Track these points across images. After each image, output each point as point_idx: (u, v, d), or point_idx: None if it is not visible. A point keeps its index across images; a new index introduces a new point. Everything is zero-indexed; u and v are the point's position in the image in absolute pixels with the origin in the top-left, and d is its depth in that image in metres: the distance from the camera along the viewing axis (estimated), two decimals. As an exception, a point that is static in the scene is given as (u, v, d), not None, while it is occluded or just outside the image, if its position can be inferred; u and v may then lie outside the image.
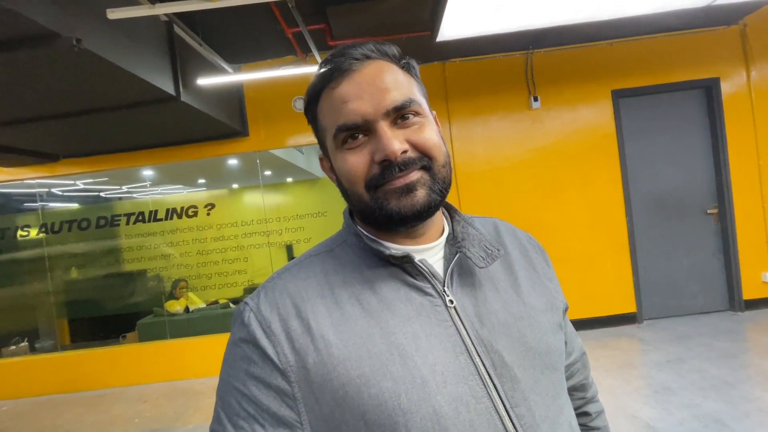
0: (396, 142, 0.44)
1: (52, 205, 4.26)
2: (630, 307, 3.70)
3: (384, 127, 0.45)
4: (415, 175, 0.46)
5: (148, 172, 4.08)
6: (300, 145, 3.99)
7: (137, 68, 2.15)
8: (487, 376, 0.44)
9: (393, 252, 0.47)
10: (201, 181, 4.56)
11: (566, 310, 0.58)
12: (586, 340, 3.51)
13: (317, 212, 3.91)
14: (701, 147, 3.73)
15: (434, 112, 0.53)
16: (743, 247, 3.64)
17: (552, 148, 3.69)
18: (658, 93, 3.72)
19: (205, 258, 3.89)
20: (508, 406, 0.44)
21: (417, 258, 0.47)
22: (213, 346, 3.75)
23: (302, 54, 3.40)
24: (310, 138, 3.69)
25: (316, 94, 0.50)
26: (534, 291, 0.53)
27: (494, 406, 0.43)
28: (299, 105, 3.75)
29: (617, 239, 3.69)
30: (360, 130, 0.46)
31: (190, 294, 4.06)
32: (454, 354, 0.45)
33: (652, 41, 3.65)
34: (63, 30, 1.68)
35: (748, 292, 3.65)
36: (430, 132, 0.47)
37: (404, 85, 0.47)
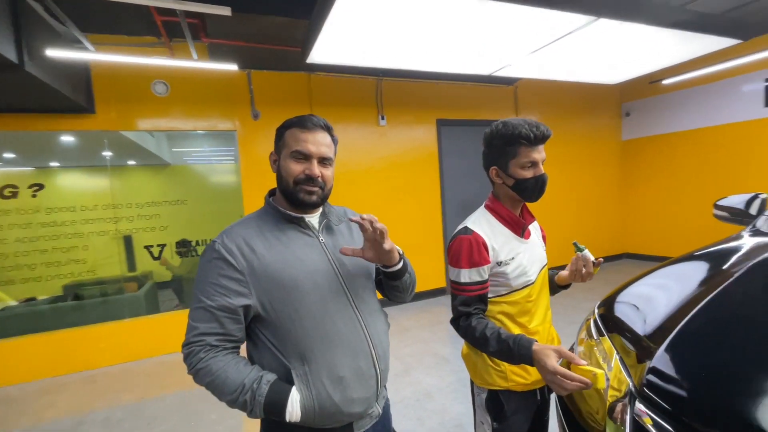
0: (318, 170, 0.98)
1: None
2: (442, 283, 4.96)
3: (315, 162, 0.98)
4: (316, 188, 0.98)
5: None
6: (156, 129, 3.83)
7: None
8: (339, 274, 0.99)
9: (295, 215, 1.00)
10: (17, 157, 3.83)
11: None
12: (411, 309, 4.55)
13: (176, 200, 3.85)
14: (490, 168, 5.25)
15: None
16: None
17: (393, 159, 4.61)
18: (466, 125, 5.06)
19: (28, 246, 3.36)
20: (345, 280, 0.99)
21: (306, 219, 1.01)
22: (30, 348, 3.31)
23: (167, 38, 3.36)
24: (169, 123, 3.77)
25: (290, 125, 1.00)
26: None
27: (339, 280, 0.98)
28: (160, 89, 3.65)
29: (435, 232, 4.88)
30: (303, 156, 0.97)
31: (-4, 290, 3.43)
32: (322, 260, 0.98)
33: (465, 87, 4.96)
34: None
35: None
36: (331, 173, 1.01)
37: (331, 149, 1.01)
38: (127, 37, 3.47)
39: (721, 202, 1.91)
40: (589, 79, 4.10)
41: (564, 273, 1.30)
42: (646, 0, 2.66)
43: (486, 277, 1.12)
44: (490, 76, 3.77)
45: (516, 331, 1.15)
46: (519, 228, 1.19)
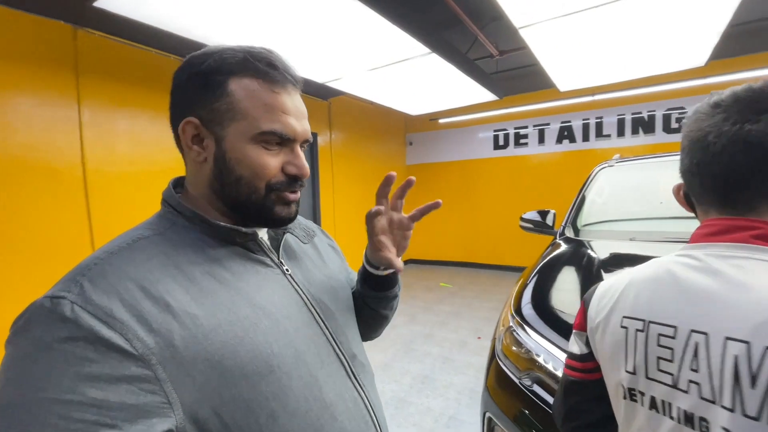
0: (305, 164, 0.57)
1: None
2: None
3: (298, 149, 0.58)
4: (299, 195, 0.60)
5: None
6: None
7: None
8: (320, 320, 0.61)
9: (244, 231, 0.56)
10: None
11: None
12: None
13: None
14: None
15: None
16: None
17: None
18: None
19: None
20: (334, 335, 0.62)
21: (259, 235, 0.59)
22: None
23: None
24: None
25: (242, 70, 0.53)
26: (331, 260, 0.75)
27: (326, 337, 0.61)
28: None
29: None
30: (281, 141, 0.55)
31: None
32: (298, 307, 0.59)
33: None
34: None
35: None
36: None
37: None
38: None
39: (525, 216, 2.47)
40: (398, 108, 4.64)
41: None
42: (459, 51, 3.23)
43: None
44: (317, 85, 3.67)
45: None
46: None
